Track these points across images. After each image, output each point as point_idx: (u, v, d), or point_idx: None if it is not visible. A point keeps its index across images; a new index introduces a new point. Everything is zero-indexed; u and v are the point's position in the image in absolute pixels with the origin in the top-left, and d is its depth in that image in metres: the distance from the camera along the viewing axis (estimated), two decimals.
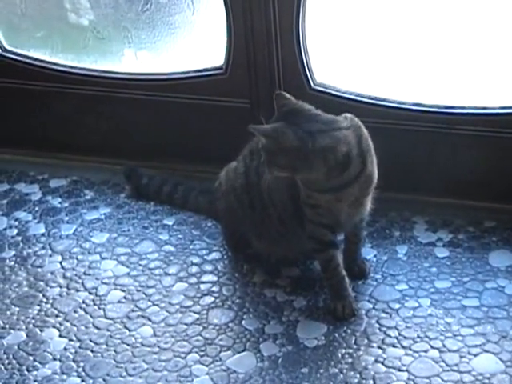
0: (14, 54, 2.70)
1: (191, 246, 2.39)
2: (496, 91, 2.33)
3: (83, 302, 2.24)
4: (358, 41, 2.42)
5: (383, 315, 2.13)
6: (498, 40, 2.30)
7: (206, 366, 2.04)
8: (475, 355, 2.01)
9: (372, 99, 2.42)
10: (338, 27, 2.44)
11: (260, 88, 2.48)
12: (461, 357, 2.01)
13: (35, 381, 2.03)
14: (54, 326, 2.17)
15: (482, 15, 2.30)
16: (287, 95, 2.06)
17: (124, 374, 2.03)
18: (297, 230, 2.15)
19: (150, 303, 2.22)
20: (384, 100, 2.41)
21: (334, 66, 2.45)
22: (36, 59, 2.69)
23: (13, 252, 2.41)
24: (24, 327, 2.17)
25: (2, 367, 2.06)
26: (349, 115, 2.07)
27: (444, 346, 2.04)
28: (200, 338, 2.12)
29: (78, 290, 2.27)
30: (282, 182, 2.11)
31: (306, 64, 2.41)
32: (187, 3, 2.51)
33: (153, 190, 2.56)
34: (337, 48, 2.45)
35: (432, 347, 2.04)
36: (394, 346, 2.05)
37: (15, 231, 2.48)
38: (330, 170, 1.98)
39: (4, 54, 2.70)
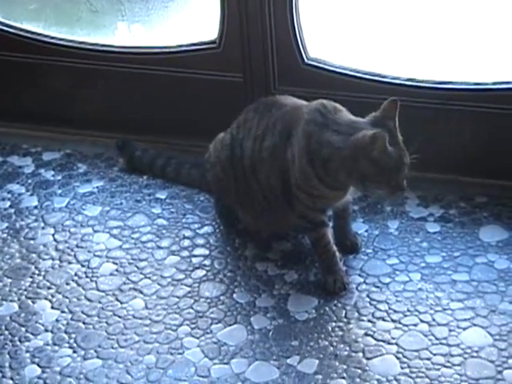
0: (7, 26, 2.69)
1: (183, 220, 2.40)
2: (489, 67, 2.34)
3: (75, 275, 2.25)
4: (352, 15, 2.43)
5: (374, 289, 2.15)
6: (490, 16, 2.30)
7: (197, 338, 2.05)
8: (464, 329, 2.03)
9: (366, 74, 2.42)
10: (331, 2, 2.43)
11: (253, 62, 2.48)
12: (450, 330, 2.03)
13: (27, 351, 2.04)
14: (46, 298, 2.18)
15: None
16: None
17: (115, 345, 2.05)
18: (282, 208, 2.16)
19: (141, 276, 2.23)
20: (377, 75, 2.41)
21: (327, 41, 2.45)
22: (29, 32, 2.68)
23: (5, 224, 2.41)
24: (16, 298, 2.18)
25: None
26: None
27: (433, 319, 2.06)
28: (191, 310, 2.13)
29: (70, 263, 2.28)
30: (275, 166, 2.12)
31: (299, 38, 2.41)
32: None
33: (146, 162, 2.56)
34: (330, 23, 2.45)
35: (421, 321, 2.06)
36: (383, 320, 2.07)
37: (8, 203, 2.49)
38: None
39: None
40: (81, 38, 2.64)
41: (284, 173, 2.10)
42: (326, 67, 2.43)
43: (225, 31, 2.47)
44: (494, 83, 2.32)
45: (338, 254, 2.15)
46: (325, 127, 2.01)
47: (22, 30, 2.68)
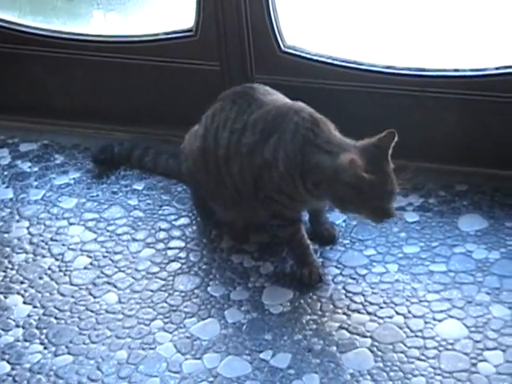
0: None
1: (160, 212, 2.37)
2: (467, 53, 2.30)
3: (49, 269, 2.22)
4: (329, 2, 2.39)
5: (350, 281, 2.12)
6: (468, 1, 2.26)
7: (170, 333, 2.03)
8: (440, 321, 2.00)
9: (343, 62, 2.38)
10: None
11: (229, 50, 2.45)
12: (425, 322, 2.00)
13: None
14: (18, 293, 2.16)
15: None
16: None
17: (87, 341, 2.02)
18: (253, 202, 2.13)
19: (116, 269, 2.21)
20: (355, 62, 2.38)
21: (304, 29, 2.41)
22: (4, 21, 2.64)
23: None
24: None
25: None
26: None
27: (409, 311, 2.03)
28: (165, 304, 2.10)
29: (44, 256, 2.26)
30: (251, 163, 2.09)
31: (275, 26, 2.37)
32: None
33: (124, 154, 2.52)
34: (307, 10, 2.41)
35: (397, 313, 2.03)
36: (359, 312, 2.04)
37: None
38: None
39: None
40: (56, 27, 2.61)
41: (260, 170, 2.08)
42: (303, 55, 2.39)
43: (201, 19, 2.43)
44: (473, 70, 2.29)
45: (311, 246, 2.13)
46: (319, 148, 2.00)
47: None
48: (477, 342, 1.94)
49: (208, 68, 2.49)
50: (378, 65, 2.36)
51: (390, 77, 2.35)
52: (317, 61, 2.38)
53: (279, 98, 2.16)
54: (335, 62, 2.38)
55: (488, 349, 1.92)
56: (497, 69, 2.27)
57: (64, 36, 2.60)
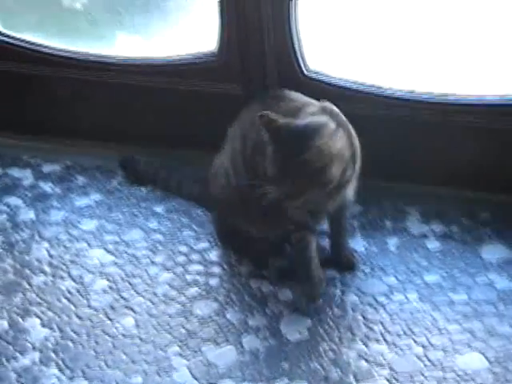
0: (8, 36, 2.66)
1: (180, 235, 2.36)
2: (491, 81, 2.27)
3: (67, 291, 2.22)
4: (353, 27, 2.37)
5: (369, 309, 2.10)
6: (494, 29, 2.24)
7: (186, 358, 2.02)
8: (460, 352, 1.97)
9: (366, 87, 2.36)
10: (331, 13, 2.38)
11: (252, 74, 2.43)
12: (445, 353, 1.97)
13: (13, 371, 2.02)
14: (36, 315, 2.16)
15: (480, 3, 2.25)
16: (274, 116, 1.96)
17: (103, 365, 2.02)
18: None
19: (134, 293, 2.20)
20: (378, 88, 2.36)
21: (327, 53, 2.40)
22: (30, 42, 2.64)
23: (0, 238, 2.39)
24: (6, 315, 2.16)
25: None
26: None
27: (429, 342, 2.00)
28: (182, 329, 2.09)
29: (63, 279, 2.26)
30: None
31: (298, 50, 2.35)
32: None
33: (149, 175, 2.53)
34: (330, 34, 2.39)
35: (416, 343, 2.00)
36: (377, 342, 2.02)
37: (4, 216, 2.46)
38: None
39: None
40: (80, 49, 2.61)
41: None
42: (326, 79, 2.37)
43: (224, 43, 2.42)
44: (498, 97, 2.26)
45: (316, 261, 2.11)
46: None
47: (22, 40, 2.65)
48: (497, 375, 1.90)
49: (230, 91, 2.48)
50: (401, 90, 2.34)
51: (413, 103, 2.33)
52: (339, 85, 2.37)
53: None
54: (358, 87, 2.36)
55: (509, 382, 1.89)
56: None
57: (88, 58, 2.60)
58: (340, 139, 1.96)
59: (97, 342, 2.07)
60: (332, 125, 1.96)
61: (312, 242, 2.11)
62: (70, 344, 2.08)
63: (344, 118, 2.04)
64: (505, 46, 2.25)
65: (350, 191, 2.06)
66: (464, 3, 2.25)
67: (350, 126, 2.03)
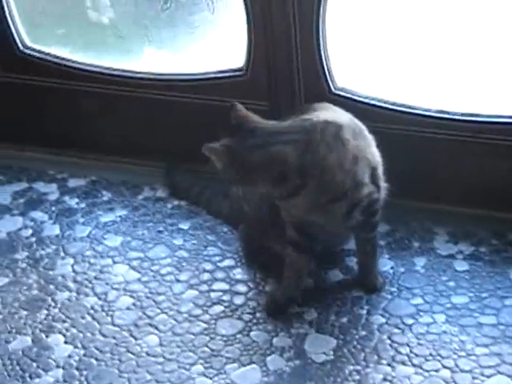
0: (35, 50, 2.67)
1: (205, 252, 2.34)
2: None
3: (91, 308, 2.21)
4: (381, 45, 2.35)
5: (395, 331, 2.07)
6: None
7: (210, 378, 2.00)
8: (488, 376, 1.94)
9: (393, 105, 2.34)
10: (360, 30, 2.36)
11: (279, 90, 2.42)
12: (473, 378, 1.94)
13: None
14: (60, 332, 2.15)
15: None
16: (239, 106, 2.06)
17: None
18: None
19: (158, 311, 2.18)
20: (407, 106, 2.33)
21: (356, 71, 2.38)
22: (57, 56, 2.65)
23: (26, 253, 2.39)
24: (30, 332, 2.15)
25: (5, 373, 2.04)
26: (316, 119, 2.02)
27: (456, 365, 1.97)
28: (206, 348, 2.07)
29: (87, 295, 2.25)
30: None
31: (326, 67, 2.34)
32: (207, 3, 2.46)
33: (182, 189, 2.54)
34: (359, 52, 2.38)
35: (444, 366, 1.97)
36: (404, 364, 1.99)
37: (30, 231, 2.46)
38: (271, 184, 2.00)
39: (25, 50, 2.66)
40: (107, 64, 2.61)
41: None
42: (354, 97, 2.35)
43: (252, 58, 2.41)
44: None
45: (293, 284, 2.13)
46: None
47: (49, 54, 2.66)
48: None
49: (257, 108, 2.45)
50: (430, 109, 2.31)
51: (442, 121, 2.30)
52: (367, 103, 2.35)
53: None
54: (385, 105, 2.34)
55: None
56: None
57: (114, 72, 2.60)
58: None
59: (120, 360, 2.06)
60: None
61: (297, 261, 2.10)
62: (94, 362, 2.06)
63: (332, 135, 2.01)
64: None
65: (350, 212, 2.02)
66: (496, 24, 2.22)
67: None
